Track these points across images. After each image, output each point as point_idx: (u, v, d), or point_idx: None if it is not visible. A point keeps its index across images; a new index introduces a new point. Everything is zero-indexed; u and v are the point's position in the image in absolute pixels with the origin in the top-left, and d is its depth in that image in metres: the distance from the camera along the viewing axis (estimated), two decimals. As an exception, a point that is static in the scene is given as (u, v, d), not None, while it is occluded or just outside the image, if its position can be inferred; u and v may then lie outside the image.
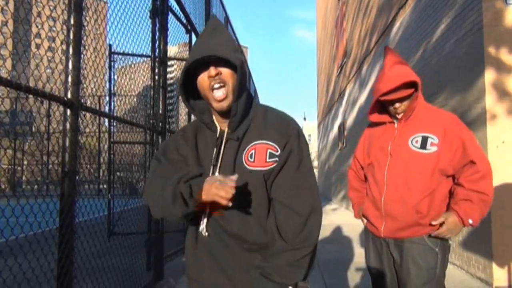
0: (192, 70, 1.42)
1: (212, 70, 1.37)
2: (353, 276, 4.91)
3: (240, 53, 1.44)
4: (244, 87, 1.44)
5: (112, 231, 6.54)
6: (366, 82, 11.18)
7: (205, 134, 1.53)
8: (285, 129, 1.46)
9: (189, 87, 1.47)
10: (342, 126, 15.25)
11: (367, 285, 4.49)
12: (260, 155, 1.42)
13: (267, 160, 1.41)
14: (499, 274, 4.39)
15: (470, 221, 2.12)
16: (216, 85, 1.38)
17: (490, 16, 4.62)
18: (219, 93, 1.39)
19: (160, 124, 4.54)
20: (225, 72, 1.39)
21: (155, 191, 1.44)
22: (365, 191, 2.52)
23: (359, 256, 5.97)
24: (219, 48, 1.37)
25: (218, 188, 1.26)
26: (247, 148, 1.44)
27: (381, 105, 2.37)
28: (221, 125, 1.49)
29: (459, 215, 2.13)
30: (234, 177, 1.27)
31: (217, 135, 1.47)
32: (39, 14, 2.88)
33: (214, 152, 1.45)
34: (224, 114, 1.45)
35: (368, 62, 10.99)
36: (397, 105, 2.23)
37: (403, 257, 2.21)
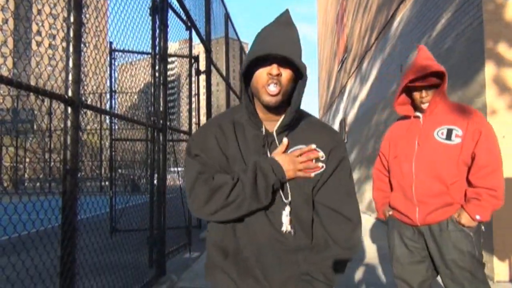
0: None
1: (275, 69, 1.32)
2: (357, 272, 4.93)
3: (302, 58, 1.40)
4: (302, 96, 1.41)
5: (115, 228, 6.57)
6: (366, 78, 11.17)
7: (243, 130, 1.46)
8: (331, 136, 1.48)
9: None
10: (343, 122, 15.25)
11: (370, 281, 4.52)
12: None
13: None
14: (500, 269, 4.40)
15: (478, 217, 2.25)
16: (272, 86, 1.34)
17: (490, 11, 4.61)
18: (273, 89, 1.34)
19: (161, 121, 4.55)
20: (285, 74, 1.35)
21: (219, 192, 1.35)
22: (389, 191, 2.63)
23: (364, 251, 5.98)
24: (292, 50, 1.32)
25: (296, 163, 1.36)
26: (291, 150, 1.42)
27: (406, 98, 2.53)
28: (264, 123, 1.44)
29: (468, 213, 2.27)
30: (285, 140, 1.38)
31: (263, 134, 1.42)
32: (39, 12, 2.89)
33: (262, 152, 1.42)
34: (269, 111, 1.42)
35: (369, 58, 10.97)
36: (423, 93, 2.38)
37: (441, 245, 2.33)
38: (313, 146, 1.40)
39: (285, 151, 1.41)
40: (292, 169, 1.37)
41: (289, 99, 1.41)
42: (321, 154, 1.42)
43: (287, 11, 1.46)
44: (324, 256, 1.40)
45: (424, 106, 2.41)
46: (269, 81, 1.34)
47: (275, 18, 1.44)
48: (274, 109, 1.40)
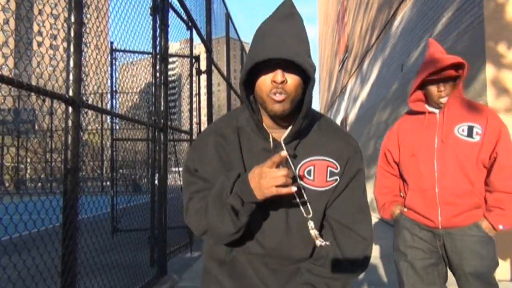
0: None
1: (279, 76, 1.15)
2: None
3: (311, 56, 1.22)
4: (311, 102, 1.24)
5: (116, 228, 6.58)
6: (367, 77, 11.16)
7: (249, 139, 1.31)
8: (345, 145, 1.33)
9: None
10: (344, 121, 15.24)
11: (369, 280, 4.52)
12: (320, 173, 1.29)
13: (328, 179, 1.29)
14: (501, 267, 4.39)
15: (501, 227, 2.17)
16: (278, 96, 1.17)
17: (491, 9, 4.60)
18: (279, 96, 1.17)
19: (162, 121, 4.56)
20: (291, 81, 1.17)
21: (197, 213, 1.26)
22: (396, 189, 2.50)
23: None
24: (296, 50, 1.15)
25: (268, 178, 1.10)
26: (303, 162, 1.29)
27: (420, 94, 2.39)
28: (271, 131, 1.28)
29: (491, 223, 2.18)
30: (283, 153, 1.11)
31: (271, 144, 1.27)
32: (40, 12, 2.89)
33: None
34: (276, 119, 1.26)
35: (370, 57, 10.97)
36: (441, 87, 2.24)
37: (463, 249, 2.21)
38: (284, 152, 1.13)
39: (287, 164, 1.26)
40: (261, 187, 1.12)
41: (298, 103, 1.23)
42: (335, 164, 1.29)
43: (288, 0, 1.26)
44: (333, 271, 1.31)
45: (443, 100, 2.26)
46: (273, 90, 1.17)
47: (276, 9, 1.25)
48: (282, 117, 1.23)
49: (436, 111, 2.31)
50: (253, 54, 1.17)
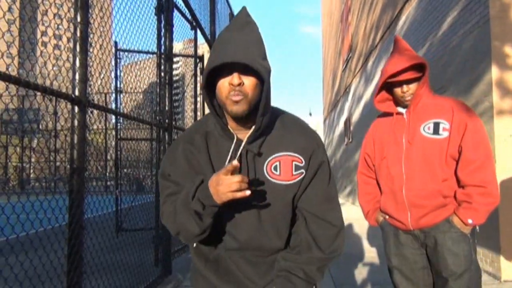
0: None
1: (236, 79, 1.24)
2: (361, 271, 4.92)
3: (267, 59, 1.32)
4: (269, 101, 1.34)
5: (120, 227, 6.60)
6: (371, 77, 11.14)
7: (216, 141, 1.40)
8: (308, 139, 1.42)
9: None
10: (348, 121, 15.21)
11: (374, 280, 4.51)
12: (286, 167, 1.38)
13: (294, 172, 1.38)
14: (507, 267, 4.37)
15: (470, 221, 2.12)
16: (235, 97, 1.26)
17: (497, 9, 4.58)
18: (236, 97, 1.26)
19: (167, 120, 4.57)
20: (248, 82, 1.27)
21: (170, 216, 1.36)
22: (379, 194, 2.46)
23: (367, 251, 5.97)
24: (248, 54, 1.24)
25: (224, 184, 1.19)
26: (269, 159, 1.38)
27: (387, 94, 2.38)
28: (236, 132, 1.36)
29: (459, 217, 2.14)
30: (234, 162, 1.19)
31: (233, 144, 1.36)
32: (46, 13, 2.90)
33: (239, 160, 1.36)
34: (239, 120, 1.33)
35: (374, 57, 10.94)
36: (405, 88, 2.21)
37: (438, 248, 2.19)
38: (236, 162, 1.21)
39: (257, 163, 1.37)
40: (218, 193, 1.22)
41: (258, 104, 1.31)
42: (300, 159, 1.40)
43: (243, 9, 1.38)
44: (308, 257, 1.41)
45: (407, 99, 2.23)
46: (231, 92, 1.26)
47: (233, 19, 1.37)
48: (245, 118, 1.31)
49: (403, 111, 2.29)
50: (211, 60, 1.27)
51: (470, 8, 5.07)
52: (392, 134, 2.31)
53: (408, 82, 2.20)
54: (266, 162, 1.38)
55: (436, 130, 2.17)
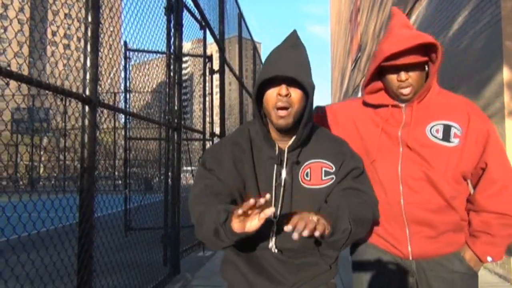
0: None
1: (284, 90, 1.36)
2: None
3: (312, 79, 1.43)
4: (312, 114, 1.44)
5: (129, 226, 6.63)
6: (381, 77, 11.07)
7: (260, 148, 1.50)
8: (339, 149, 1.51)
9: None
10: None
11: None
12: (315, 173, 1.46)
13: (323, 178, 1.46)
14: (518, 270, 4.32)
15: (490, 259, 1.65)
16: (282, 105, 1.37)
17: (508, 9, 4.53)
18: (282, 112, 1.37)
19: (176, 120, 4.58)
20: (295, 94, 1.38)
21: (199, 210, 1.35)
22: None
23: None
24: (299, 71, 1.36)
25: (239, 223, 1.17)
26: (302, 167, 1.47)
27: (378, 84, 1.77)
28: (277, 141, 1.47)
29: (476, 254, 1.66)
30: (267, 196, 1.16)
31: (276, 153, 1.46)
32: (57, 13, 2.92)
33: (275, 171, 1.45)
34: (281, 131, 1.44)
35: (383, 57, 10.87)
36: (403, 75, 1.63)
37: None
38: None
39: (294, 171, 1.45)
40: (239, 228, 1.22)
41: (300, 118, 1.42)
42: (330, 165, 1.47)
43: (294, 32, 1.49)
44: (355, 200, 1.41)
45: (405, 91, 1.65)
46: (278, 102, 1.37)
47: (284, 39, 1.49)
48: (286, 130, 1.43)
49: (403, 105, 1.72)
50: (264, 73, 1.39)
51: (481, 7, 5.02)
52: (384, 132, 1.73)
53: (409, 68, 1.62)
54: (300, 170, 1.47)
55: (446, 135, 1.65)
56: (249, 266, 1.51)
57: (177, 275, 4.52)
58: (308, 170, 1.46)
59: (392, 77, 1.66)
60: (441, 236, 1.64)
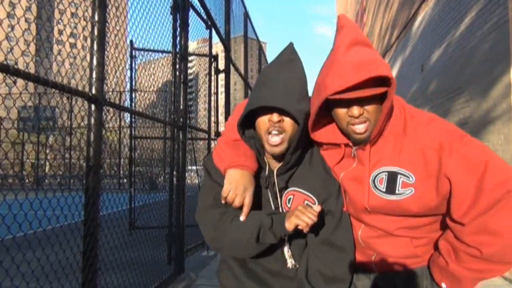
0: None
1: (275, 117, 1.33)
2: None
3: (307, 99, 1.38)
4: (302, 140, 1.39)
5: (134, 225, 6.65)
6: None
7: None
8: (326, 185, 1.46)
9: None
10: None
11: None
12: (297, 204, 1.43)
13: None
14: (524, 273, 4.29)
15: (444, 286, 1.40)
16: (275, 131, 1.34)
17: (517, 9, 4.50)
18: (275, 139, 1.35)
19: (181, 119, 4.58)
20: (287, 120, 1.35)
21: (217, 223, 1.43)
22: None
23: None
24: (289, 99, 1.31)
25: (300, 214, 1.28)
26: (286, 191, 1.46)
27: (326, 118, 1.42)
28: (269, 160, 1.46)
29: (432, 275, 1.44)
30: (317, 207, 1.30)
31: (266, 173, 1.45)
32: (64, 12, 2.94)
33: (268, 191, 1.47)
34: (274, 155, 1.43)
35: (389, 57, 10.85)
36: (355, 110, 1.29)
37: None
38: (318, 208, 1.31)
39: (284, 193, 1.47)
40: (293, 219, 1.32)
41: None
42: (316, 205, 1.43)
43: (290, 45, 1.44)
44: (341, 256, 1.44)
45: (358, 130, 1.31)
46: (270, 128, 1.34)
47: (279, 54, 1.43)
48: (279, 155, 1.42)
49: (353, 148, 1.40)
50: (251, 102, 1.36)
51: (489, 8, 4.99)
52: (348, 178, 1.45)
53: (363, 101, 1.28)
54: (284, 194, 1.46)
55: (390, 186, 1.34)
56: (244, 272, 1.55)
57: (181, 274, 4.52)
58: (291, 197, 1.46)
59: (342, 112, 1.32)
60: (398, 260, 1.50)
